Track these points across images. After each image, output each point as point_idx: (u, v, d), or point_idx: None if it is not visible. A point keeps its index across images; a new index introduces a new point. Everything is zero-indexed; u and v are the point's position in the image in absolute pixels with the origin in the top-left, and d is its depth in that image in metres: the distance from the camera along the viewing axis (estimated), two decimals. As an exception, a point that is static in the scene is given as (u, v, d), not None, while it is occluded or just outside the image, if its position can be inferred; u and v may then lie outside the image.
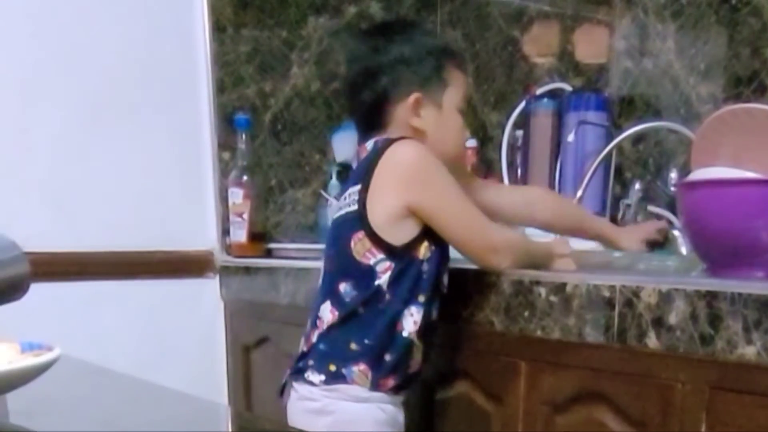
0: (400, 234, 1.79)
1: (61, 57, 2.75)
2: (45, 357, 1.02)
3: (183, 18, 2.93)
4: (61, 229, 2.75)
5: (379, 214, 1.78)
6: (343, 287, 1.82)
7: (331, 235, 1.89)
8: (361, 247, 1.80)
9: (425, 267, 1.83)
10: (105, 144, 2.83)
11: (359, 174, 1.83)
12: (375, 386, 1.82)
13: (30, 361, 1.01)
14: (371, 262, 1.79)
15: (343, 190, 1.88)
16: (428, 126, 1.86)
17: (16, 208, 2.65)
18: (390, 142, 1.81)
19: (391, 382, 1.84)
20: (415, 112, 1.86)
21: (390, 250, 1.79)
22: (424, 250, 1.82)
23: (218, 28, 2.95)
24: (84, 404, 1.25)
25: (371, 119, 1.89)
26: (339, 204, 1.87)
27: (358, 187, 1.80)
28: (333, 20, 3.05)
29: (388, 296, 1.80)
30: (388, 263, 1.79)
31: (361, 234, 1.79)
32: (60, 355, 1.05)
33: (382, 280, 1.80)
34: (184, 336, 2.98)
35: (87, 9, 2.77)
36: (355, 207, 1.80)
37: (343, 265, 1.83)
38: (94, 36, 2.79)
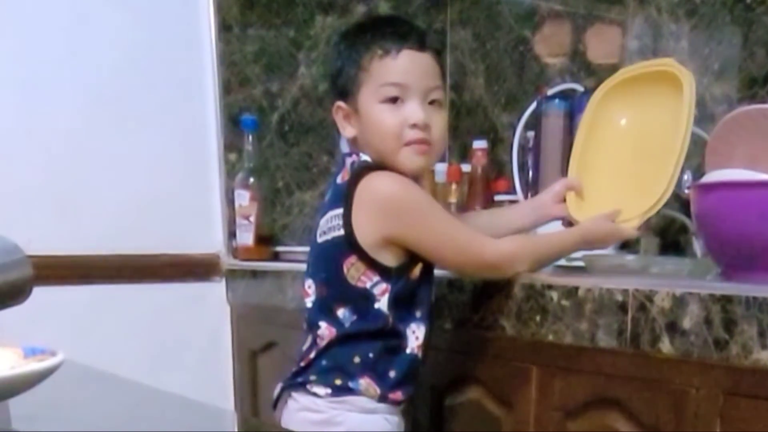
0: (392, 257, 1.77)
1: (64, 57, 2.74)
2: (48, 362, 1.02)
3: (188, 17, 2.92)
4: (64, 232, 2.74)
5: (366, 239, 1.76)
6: (342, 312, 1.80)
7: (318, 259, 1.86)
8: (355, 272, 1.77)
9: (419, 283, 1.82)
10: (109, 145, 2.82)
11: (339, 197, 1.79)
12: (383, 398, 1.80)
13: (33, 366, 1.01)
14: (367, 285, 1.77)
15: (324, 209, 1.84)
16: (357, 132, 1.83)
17: (19, 210, 2.64)
18: (363, 168, 1.78)
19: (399, 395, 1.82)
20: (344, 120, 1.84)
21: (385, 272, 1.77)
22: (417, 270, 1.80)
23: (224, 28, 2.95)
24: (87, 410, 1.25)
25: None
26: (322, 227, 1.83)
27: (340, 210, 1.77)
28: (341, 19, 3.04)
29: (390, 318, 1.78)
30: (384, 285, 1.77)
31: (353, 258, 1.76)
32: (63, 360, 1.05)
33: (382, 302, 1.77)
34: (190, 340, 2.97)
35: (91, 8, 2.76)
36: (341, 232, 1.77)
37: (338, 290, 1.80)
38: (98, 36, 2.78)
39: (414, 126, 1.77)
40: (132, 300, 2.85)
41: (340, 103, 1.83)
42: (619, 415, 1.66)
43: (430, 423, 2.05)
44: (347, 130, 1.84)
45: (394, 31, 1.81)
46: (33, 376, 1.00)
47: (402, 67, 1.78)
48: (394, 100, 1.78)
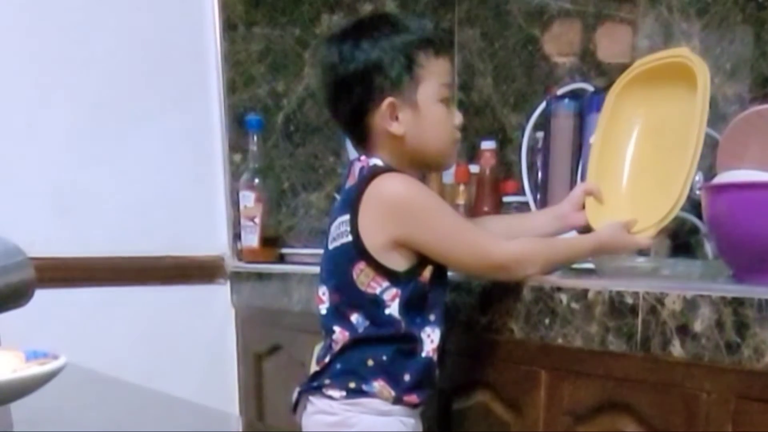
0: (401, 260, 1.78)
1: (67, 58, 2.73)
2: (50, 365, 1.03)
3: (193, 16, 2.92)
4: (66, 234, 2.74)
5: (374, 244, 1.76)
6: (355, 318, 1.81)
7: (330, 266, 1.87)
8: (364, 278, 1.78)
9: (431, 286, 1.81)
10: (112, 146, 2.81)
11: (347, 203, 1.81)
12: (398, 401, 1.80)
13: (35, 369, 1.01)
14: (377, 291, 1.77)
15: (333, 216, 1.86)
16: (407, 129, 1.82)
17: (21, 211, 2.63)
18: (374, 172, 1.79)
19: (414, 398, 1.82)
20: (391, 117, 1.82)
21: (394, 277, 1.77)
22: (428, 274, 1.80)
23: (229, 26, 2.94)
24: (90, 414, 1.26)
25: (353, 131, 1.87)
26: (332, 234, 1.84)
27: (347, 216, 1.79)
28: (347, 18, 3.03)
29: (403, 323, 1.79)
30: (394, 290, 1.77)
31: (362, 264, 1.77)
32: (65, 363, 1.05)
33: (392, 308, 1.78)
34: (194, 344, 2.97)
35: (94, 7, 2.75)
36: (349, 238, 1.78)
37: (349, 296, 1.81)
38: (101, 35, 2.78)
39: (457, 127, 1.85)
40: (135, 303, 2.85)
41: (393, 100, 1.80)
42: (630, 420, 1.65)
43: (437, 427, 2.04)
44: (394, 126, 1.81)
45: (437, 32, 1.89)
46: (35, 380, 1.00)
47: (450, 69, 1.86)
48: (446, 101, 1.83)
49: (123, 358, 2.44)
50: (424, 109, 1.81)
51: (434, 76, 1.81)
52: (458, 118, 1.85)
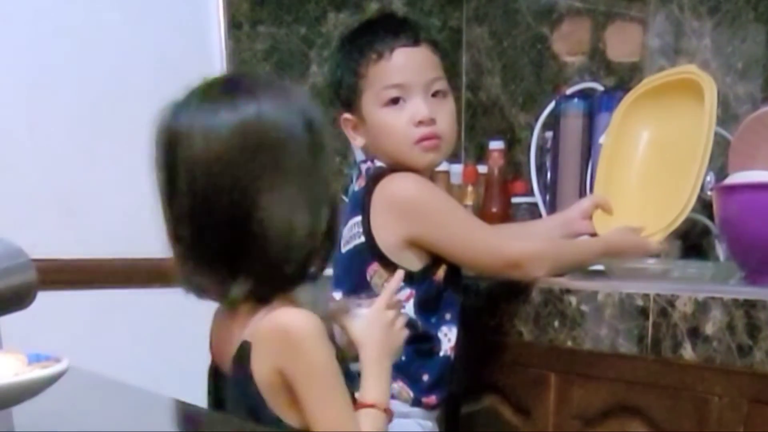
0: (414, 260, 1.78)
1: (69, 57, 2.71)
2: (52, 369, 1.01)
3: (197, 14, 2.90)
4: (69, 236, 2.71)
5: (387, 243, 1.77)
6: None
7: (343, 269, 1.86)
8: (378, 279, 1.77)
9: (445, 286, 1.81)
10: (115, 147, 2.78)
11: (357, 204, 1.82)
12: (416, 402, 1.80)
13: (37, 373, 1.00)
14: None
15: (345, 219, 1.85)
16: (365, 140, 1.86)
17: (23, 213, 2.61)
18: (380, 172, 1.80)
19: (433, 399, 1.81)
20: (353, 130, 1.87)
21: (408, 276, 1.76)
22: (442, 273, 1.80)
23: (234, 25, 2.92)
24: (93, 418, 1.24)
25: None
26: (345, 236, 1.84)
27: (359, 218, 1.79)
28: (354, 16, 3.02)
29: (419, 323, 1.78)
30: (409, 290, 1.77)
31: (375, 265, 1.78)
32: (68, 366, 1.03)
33: (407, 308, 1.76)
34: (197, 347, 2.92)
35: (96, 5, 2.74)
36: (362, 239, 1.78)
37: None
38: (103, 34, 2.75)
39: (420, 123, 1.79)
40: (138, 305, 2.82)
41: (347, 115, 1.86)
42: (640, 423, 1.64)
43: (446, 431, 2.03)
44: (357, 140, 1.87)
45: (384, 31, 1.83)
46: (37, 384, 0.99)
47: (398, 67, 1.80)
48: (395, 101, 1.80)
49: (126, 360, 2.42)
50: (369, 119, 1.82)
51: (374, 83, 1.81)
52: (419, 113, 1.79)
